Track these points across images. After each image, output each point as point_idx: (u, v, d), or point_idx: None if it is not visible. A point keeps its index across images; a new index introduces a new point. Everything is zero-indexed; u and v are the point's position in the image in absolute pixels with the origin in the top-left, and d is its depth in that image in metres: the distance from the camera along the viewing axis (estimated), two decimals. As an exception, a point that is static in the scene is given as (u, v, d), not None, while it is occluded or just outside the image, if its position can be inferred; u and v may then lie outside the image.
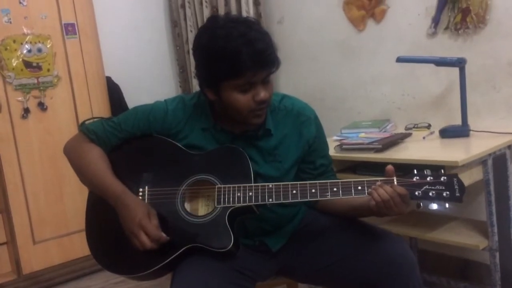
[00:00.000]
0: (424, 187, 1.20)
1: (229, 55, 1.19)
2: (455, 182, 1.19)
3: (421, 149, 1.89)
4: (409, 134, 2.06)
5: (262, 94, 1.25)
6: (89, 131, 1.41)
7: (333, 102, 2.66)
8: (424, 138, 2.01)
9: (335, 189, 1.24)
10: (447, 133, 1.96)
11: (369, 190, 1.21)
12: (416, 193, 1.20)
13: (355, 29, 2.50)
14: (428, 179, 1.20)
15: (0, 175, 2.56)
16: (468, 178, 1.69)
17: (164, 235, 1.25)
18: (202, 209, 1.35)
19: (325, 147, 1.49)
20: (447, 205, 1.20)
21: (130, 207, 1.27)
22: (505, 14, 1.93)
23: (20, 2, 2.58)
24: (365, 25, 2.45)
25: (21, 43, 2.59)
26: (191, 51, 3.20)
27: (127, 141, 1.42)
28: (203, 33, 1.27)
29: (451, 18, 2.09)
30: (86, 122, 1.45)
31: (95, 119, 1.46)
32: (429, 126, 2.18)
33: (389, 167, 1.24)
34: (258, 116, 1.30)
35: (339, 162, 1.94)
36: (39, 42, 2.64)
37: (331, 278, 1.38)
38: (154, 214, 1.28)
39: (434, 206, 1.21)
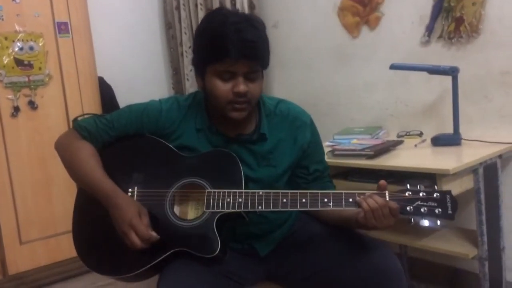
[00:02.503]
0: (416, 203, 1.18)
1: (215, 38, 1.22)
2: (448, 199, 1.17)
3: (413, 156, 1.89)
4: (401, 142, 2.06)
5: (241, 87, 1.25)
6: (81, 128, 1.39)
7: (326, 108, 2.66)
8: (416, 145, 2.01)
9: (325, 200, 1.23)
10: (438, 141, 1.96)
11: (358, 199, 1.20)
12: (408, 208, 1.18)
13: (349, 36, 2.50)
14: (420, 194, 1.19)
15: (-12, 173, 2.53)
16: (459, 186, 1.69)
17: (154, 234, 1.24)
18: (191, 212, 1.34)
19: (321, 152, 1.48)
20: (438, 222, 1.18)
21: (121, 206, 1.26)
22: (498, 24, 1.94)
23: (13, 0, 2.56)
24: (359, 32, 2.46)
25: (13, 41, 2.56)
26: (185, 53, 3.23)
27: (119, 140, 1.40)
28: (205, 17, 1.32)
29: (444, 27, 2.10)
30: (79, 118, 1.44)
31: (88, 115, 1.45)
32: (421, 134, 2.18)
33: (382, 182, 1.22)
34: (237, 110, 1.29)
35: (331, 168, 1.91)
36: (31, 40, 2.61)
37: (318, 287, 1.36)
38: (145, 213, 1.27)
39: (426, 222, 1.19)
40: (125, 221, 1.23)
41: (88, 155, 1.36)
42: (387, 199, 1.19)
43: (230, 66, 1.23)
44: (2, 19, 2.53)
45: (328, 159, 1.91)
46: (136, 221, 1.23)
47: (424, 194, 1.19)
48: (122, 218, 1.24)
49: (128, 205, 1.26)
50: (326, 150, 1.97)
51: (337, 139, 2.25)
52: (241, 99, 1.27)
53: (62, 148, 1.43)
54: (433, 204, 1.18)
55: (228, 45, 1.20)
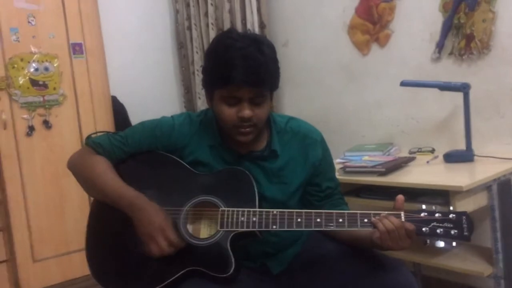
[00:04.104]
0: (432, 224, 1.17)
1: (221, 64, 1.23)
2: (464, 220, 1.16)
3: (425, 173, 1.88)
4: (413, 158, 2.05)
5: (246, 112, 1.25)
6: (95, 145, 1.40)
7: (337, 125, 2.67)
8: (428, 162, 2.00)
9: (340, 220, 1.22)
10: (451, 157, 1.95)
11: (374, 219, 1.19)
12: (424, 229, 1.17)
13: (359, 53, 2.52)
14: (436, 215, 1.17)
15: (3, 192, 2.56)
16: (472, 203, 1.68)
17: (182, 241, 1.25)
18: (204, 230, 1.33)
19: (332, 170, 1.48)
20: (454, 243, 1.17)
21: (148, 211, 1.26)
22: (509, 41, 1.94)
23: (28, 22, 2.62)
24: (369, 49, 2.47)
25: (29, 62, 2.62)
26: (196, 72, 3.27)
27: (132, 157, 1.41)
28: (215, 39, 1.33)
29: (455, 43, 2.10)
30: (92, 136, 1.45)
31: (101, 133, 1.46)
32: (433, 150, 2.17)
33: (400, 196, 1.21)
34: (242, 134, 1.30)
35: (343, 185, 1.89)
36: (46, 61, 2.67)
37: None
38: (171, 220, 1.27)
39: (441, 243, 1.17)
40: (154, 225, 1.23)
41: (106, 167, 1.36)
42: (403, 219, 1.18)
43: (235, 92, 1.24)
44: (18, 41, 2.60)
45: (339, 176, 1.91)
46: (166, 225, 1.23)
47: (440, 215, 1.17)
48: (150, 222, 1.23)
49: (156, 210, 1.26)
50: (337, 167, 1.97)
51: (348, 156, 2.24)
52: (246, 123, 1.27)
53: (77, 164, 1.42)
54: (449, 225, 1.16)
55: (232, 72, 1.20)
